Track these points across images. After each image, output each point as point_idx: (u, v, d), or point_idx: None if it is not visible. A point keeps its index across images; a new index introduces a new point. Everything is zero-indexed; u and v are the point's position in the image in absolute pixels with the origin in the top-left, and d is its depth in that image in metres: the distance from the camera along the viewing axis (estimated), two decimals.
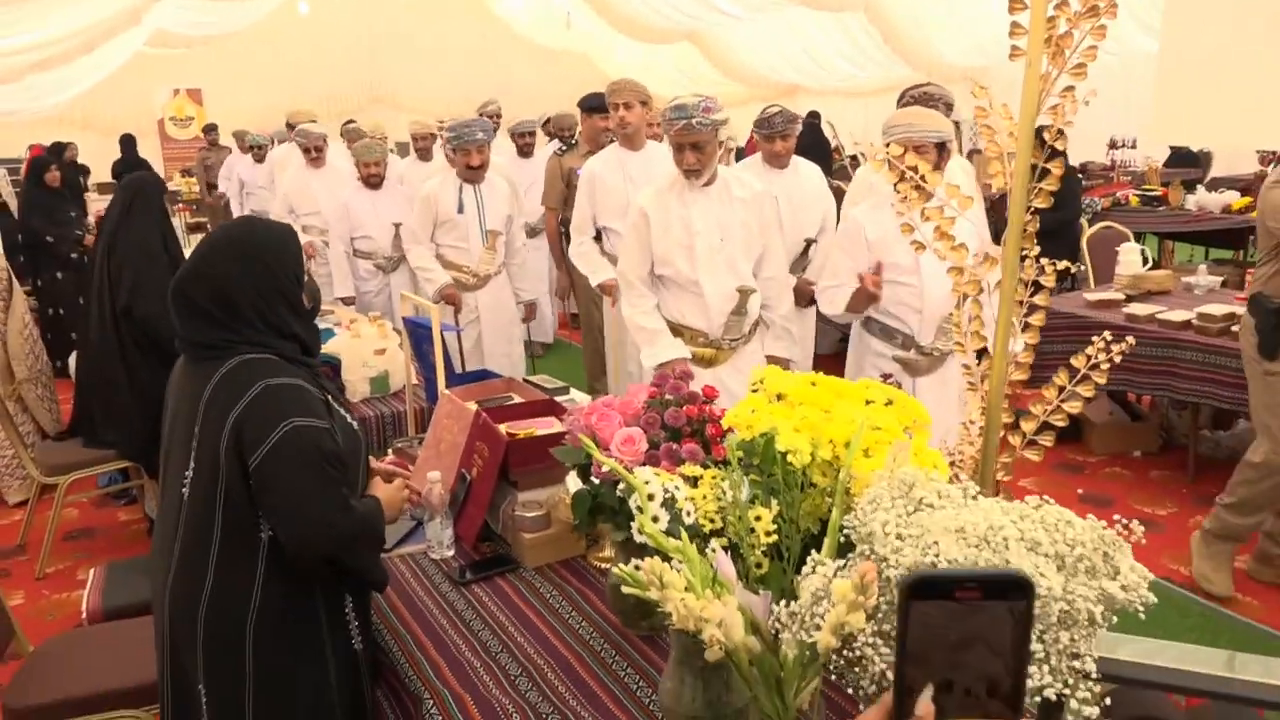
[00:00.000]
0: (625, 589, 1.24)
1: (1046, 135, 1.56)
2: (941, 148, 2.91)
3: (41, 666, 2.42)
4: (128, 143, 11.21)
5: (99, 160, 11.79)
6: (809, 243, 4.26)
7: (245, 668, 1.69)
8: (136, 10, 7.65)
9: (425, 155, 6.61)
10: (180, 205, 12.07)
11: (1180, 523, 4.10)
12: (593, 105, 5.09)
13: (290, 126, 7.59)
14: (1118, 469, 4.70)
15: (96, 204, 9.61)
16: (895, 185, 1.66)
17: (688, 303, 3.27)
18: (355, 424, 1.84)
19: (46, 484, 4.05)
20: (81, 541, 4.39)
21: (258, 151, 8.46)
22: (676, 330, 3.29)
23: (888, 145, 2.80)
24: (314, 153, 5.97)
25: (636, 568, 1.23)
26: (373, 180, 5.33)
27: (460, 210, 4.52)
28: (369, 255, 5.44)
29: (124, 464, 4.14)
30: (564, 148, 5.77)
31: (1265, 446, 3.37)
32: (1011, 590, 0.66)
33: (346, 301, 5.20)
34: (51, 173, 6.68)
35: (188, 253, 4.28)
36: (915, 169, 1.71)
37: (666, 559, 1.26)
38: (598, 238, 4.48)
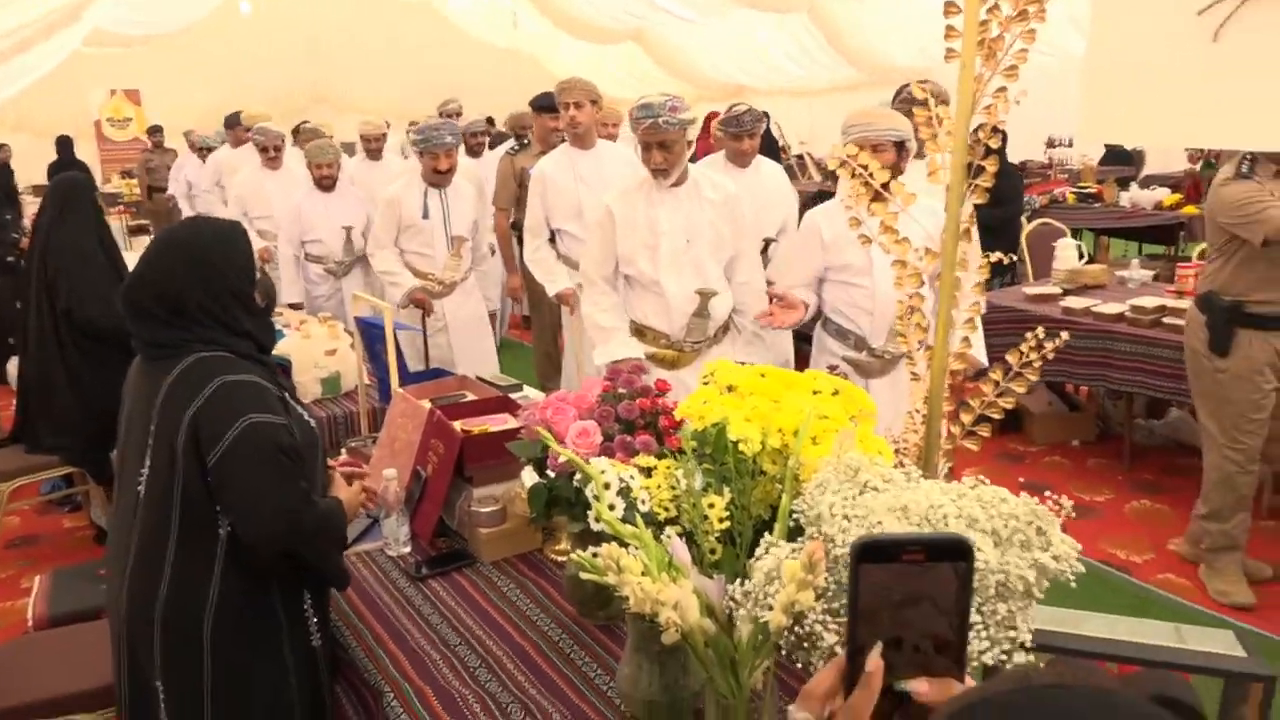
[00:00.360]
0: (584, 575, 1.27)
1: (981, 134, 1.62)
2: (900, 146, 2.96)
3: None
4: (64, 144, 10.96)
5: (34, 163, 11.48)
6: (768, 242, 4.28)
7: (203, 664, 1.69)
8: (76, 7, 7.47)
9: (375, 156, 6.51)
10: (120, 208, 11.82)
11: (1117, 508, 4.24)
12: (543, 105, 5.02)
13: (229, 126, 7.47)
14: (1057, 458, 4.84)
15: (31, 207, 9.37)
16: (850, 183, 1.72)
17: (650, 303, 3.25)
18: (312, 421, 1.85)
19: None
20: (24, 549, 4.31)
21: (204, 153, 8.34)
22: (639, 330, 3.28)
23: (846, 145, 2.85)
24: (272, 152, 5.82)
25: (594, 555, 1.27)
26: (325, 182, 5.21)
27: (425, 215, 4.41)
28: (320, 259, 5.34)
29: (68, 470, 4.07)
30: (516, 147, 5.74)
31: (1214, 446, 3.41)
32: (953, 552, 0.71)
33: (294, 307, 5.07)
34: None
35: (128, 255, 4.23)
36: (867, 168, 1.77)
37: (624, 546, 1.30)
38: (551, 240, 4.43)
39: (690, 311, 3.23)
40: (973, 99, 1.61)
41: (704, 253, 3.20)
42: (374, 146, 6.50)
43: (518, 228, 4.94)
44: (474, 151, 6.86)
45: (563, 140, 4.54)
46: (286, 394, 1.78)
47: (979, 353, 3.01)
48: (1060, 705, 0.52)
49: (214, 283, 1.73)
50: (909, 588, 0.71)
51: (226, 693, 1.71)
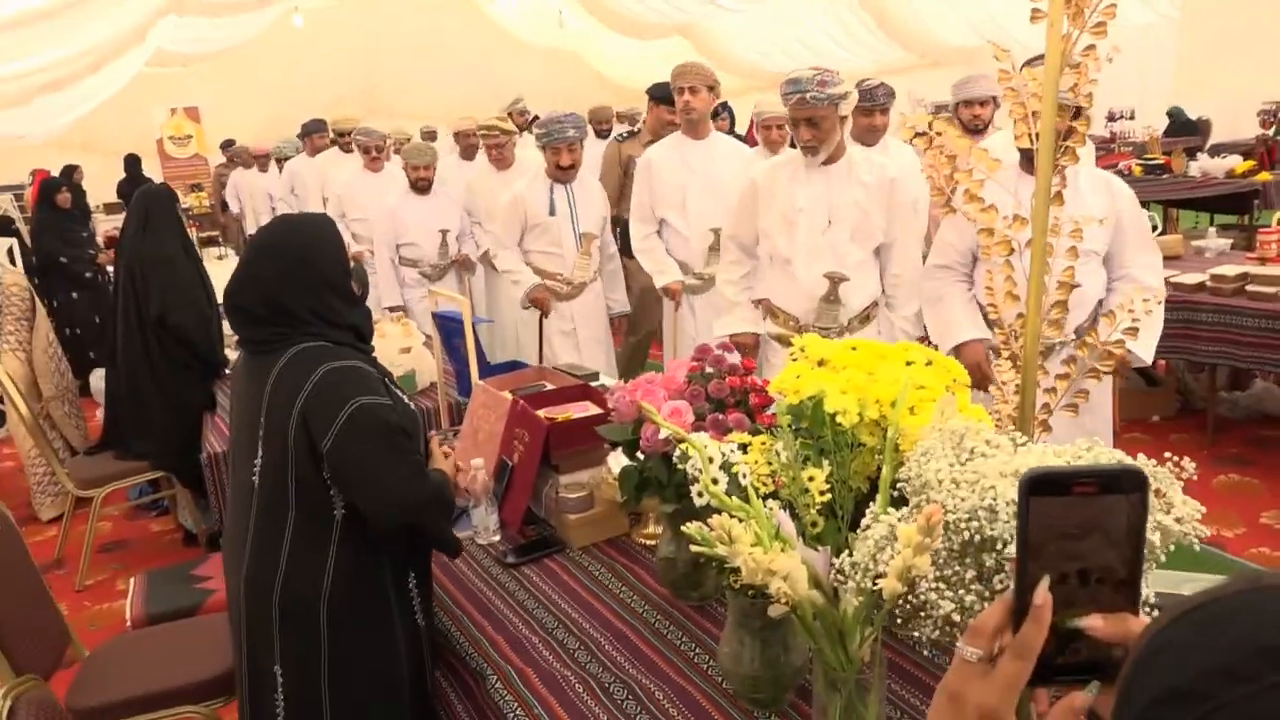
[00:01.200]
0: (694, 548, 1.27)
1: (1071, 94, 1.59)
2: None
3: (99, 669, 2.47)
4: (133, 162, 11.26)
5: (101, 182, 11.84)
6: None
7: (320, 646, 1.74)
8: (142, 28, 7.69)
9: (468, 154, 6.26)
10: (189, 221, 12.15)
11: (1203, 483, 4.13)
12: (660, 95, 4.84)
13: (304, 135, 7.55)
14: (1137, 434, 4.73)
15: (104, 224, 9.69)
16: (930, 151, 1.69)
17: (782, 283, 3.12)
18: (411, 405, 1.89)
19: (81, 498, 4.09)
20: (116, 553, 4.44)
21: (272, 162, 8.48)
22: (771, 311, 3.17)
23: (955, 108, 2.74)
24: (374, 152, 5.75)
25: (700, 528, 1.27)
26: (421, 184, 5.10)
27: (552, 212, 4.23)
28: (414, 263, 5.22)
29: (156, 475, 4.19)
30: (624, 134, 5.54)
31: None
32: (1126, 484, 0.70)
33: (394, 310, 4.95)
34: (62, 194, 6.75)
35: (207, 265, 4.36)
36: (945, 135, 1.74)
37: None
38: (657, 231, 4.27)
39: (819, 295, 3.06)
40: (1061, 58, 1.58)
41: (844, 236, 3.02)
42: (472, 143, 6.18)
43: (617, 220, 4.78)
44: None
45: (676, 132, 4.34)
46: (386, 379, 1.82)
47: (1142, 350, 2.71)
48: None
49: (308, 279, 1.77)
50: (1079, 521, 0.70)
51: (341, 674, 1.76)
